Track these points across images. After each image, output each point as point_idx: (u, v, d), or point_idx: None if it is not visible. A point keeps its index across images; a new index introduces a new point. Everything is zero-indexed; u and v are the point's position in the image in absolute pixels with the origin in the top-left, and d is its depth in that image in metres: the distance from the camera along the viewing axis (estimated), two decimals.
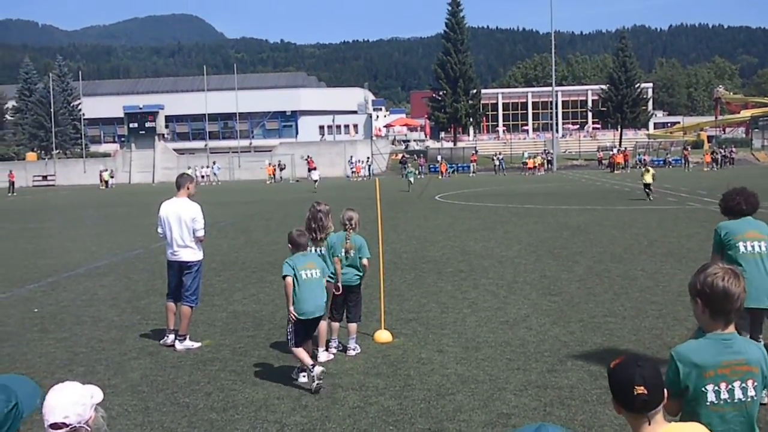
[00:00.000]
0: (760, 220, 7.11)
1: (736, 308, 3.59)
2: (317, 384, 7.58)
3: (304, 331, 7.98)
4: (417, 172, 62.43)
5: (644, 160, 73.18)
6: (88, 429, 2.90)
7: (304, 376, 7.96)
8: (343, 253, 9.07)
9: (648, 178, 32.70)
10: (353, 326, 9.21)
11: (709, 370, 3.50)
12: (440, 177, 65.28)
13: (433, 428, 6.54)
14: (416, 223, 25.27)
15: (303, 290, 7.91)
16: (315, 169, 60.59)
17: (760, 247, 6.73)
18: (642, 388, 2.94)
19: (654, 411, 2.99)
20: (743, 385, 3.53)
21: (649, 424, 2.98)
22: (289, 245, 8.17)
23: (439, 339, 9.60)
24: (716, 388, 3.50)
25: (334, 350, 9.11)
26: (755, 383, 3.56)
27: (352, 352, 9.05)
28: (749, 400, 3.55)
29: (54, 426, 2.84)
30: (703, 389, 3.50)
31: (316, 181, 56.66)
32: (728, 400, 3.52)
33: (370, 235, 11.60)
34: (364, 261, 9.20)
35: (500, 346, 9.13)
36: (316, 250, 8.82)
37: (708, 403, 3.51)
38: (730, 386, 3.52)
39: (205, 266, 11.39)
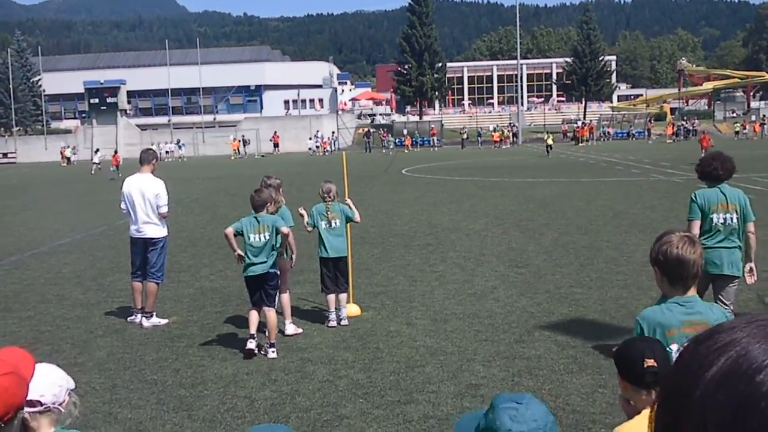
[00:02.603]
0: (734, 188, 7.15)
1: (693, 274, 3.69)
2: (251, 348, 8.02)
3: (253, 289, 8.23)
4: (395, 142, 67.86)
5: (608, 132, 73.95)
6: (61, 411, 2.87)
7: (251, 343, 8.03)
8: (328, 225, 9.32)
9: (549, 141, 51.55)
10: (343, 297, 9.38)
11: (672, 329, 3.62)
12: (406, 151, 65.57)
13: (402, 400, 6.58)
14: (383, 197, 25.26)
15: (248, 252, 8.21)
16: (311, 139, 69.59)
17: (732, 219, 6.92)
18: (652, 360, 2.96)
19: None
20: None
21: None
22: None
23: (407, 312, 9.64)
24: (680, 348, 3.59)
25: (334, 323, 9.19)
26: None
27: (345, 322, 9.22)
28: None
29: (28, 404, 2.81)
30: (667, 349, 3.59)
31: (313, 148, 65.48)
32: None
33: None
34: (356, 218, 9.55)
35: (468, 318, 9.19)
36: None
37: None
38: None
39: (171, 243, 11.30)
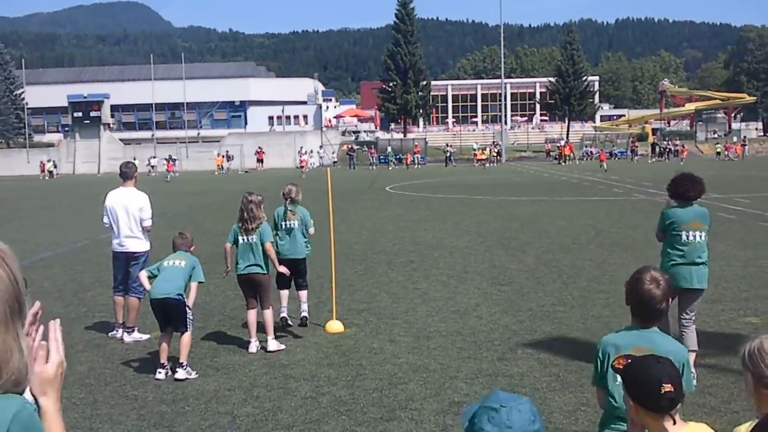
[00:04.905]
0: (703, 207, 7.60)
1: (653, 311, 3.93)
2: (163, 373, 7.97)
3: (159, 314, 8.18)
4: (393, 159, 70.19)
5: (591, 152, 74.41)
6: None
7: (160, 373, 7.94)
8: (285, 224, 9.60)
9: (482, 156, 65.71)
10: (303, 293, 9.63)
11: (621, 350, 3.76)
12: (389, 168, 65.83)
13: (385, 417, 6.56)
14: (367, 214, 25.27)
15: (161, 274, 8.26)
16: (306, 154, 67.54)
17: (700, 236, 7.41)
18: (669, 385, 2.79)
19: (677, 409, 2.86)
20: None
21: (674, 423, 2.83)
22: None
23: (390, 329, 9.63)
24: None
25: (284, 314, 9.53)
26: None
27: (304, 314, 9.49)
28: None
29: None
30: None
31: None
32: None
33: (321, 226, 11.57)
34: (311, 230, 9.76)
35: (451, 336, 9.19)
36: (247, 239, 9.01)
37: (617, 383, 3.81)
38: None
39: (154, 257, 11.23)
